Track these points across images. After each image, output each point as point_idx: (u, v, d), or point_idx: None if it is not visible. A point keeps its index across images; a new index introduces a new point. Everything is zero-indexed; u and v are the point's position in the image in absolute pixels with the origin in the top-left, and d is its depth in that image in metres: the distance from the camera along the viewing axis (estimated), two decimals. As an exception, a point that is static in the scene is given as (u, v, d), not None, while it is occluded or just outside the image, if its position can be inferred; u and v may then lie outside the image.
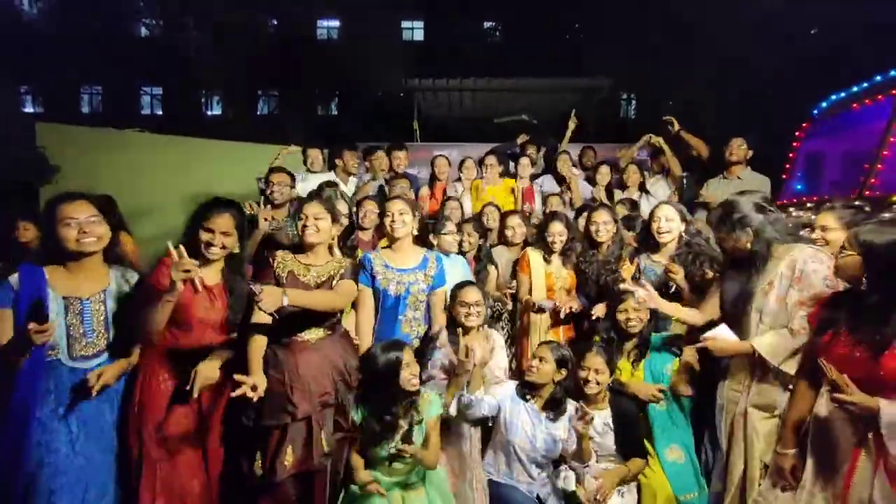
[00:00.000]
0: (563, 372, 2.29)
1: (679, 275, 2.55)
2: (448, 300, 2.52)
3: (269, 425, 1.95)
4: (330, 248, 2.35)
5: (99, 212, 1.85)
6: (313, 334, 2.08)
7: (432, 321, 2.53)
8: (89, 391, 1.75)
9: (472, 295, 2.45)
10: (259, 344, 1.96)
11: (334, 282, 2.12)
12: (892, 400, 1.53)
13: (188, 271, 1.68)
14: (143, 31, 15.62)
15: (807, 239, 2.20)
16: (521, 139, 5.52)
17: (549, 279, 2.98)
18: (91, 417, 1.83)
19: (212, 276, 1.98)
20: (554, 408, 2.30)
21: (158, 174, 4.96)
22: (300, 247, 2.16)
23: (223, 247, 1.96)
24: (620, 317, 2.52)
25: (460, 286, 2.51)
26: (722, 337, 2.05)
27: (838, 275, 1.76)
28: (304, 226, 2.10)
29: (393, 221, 2.50)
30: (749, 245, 2.03)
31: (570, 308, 2.83)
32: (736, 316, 2.10)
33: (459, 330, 2.44)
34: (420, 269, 2.55)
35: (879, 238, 1.58)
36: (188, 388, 1.80)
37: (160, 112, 16.45)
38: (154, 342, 1.91)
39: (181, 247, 1.74)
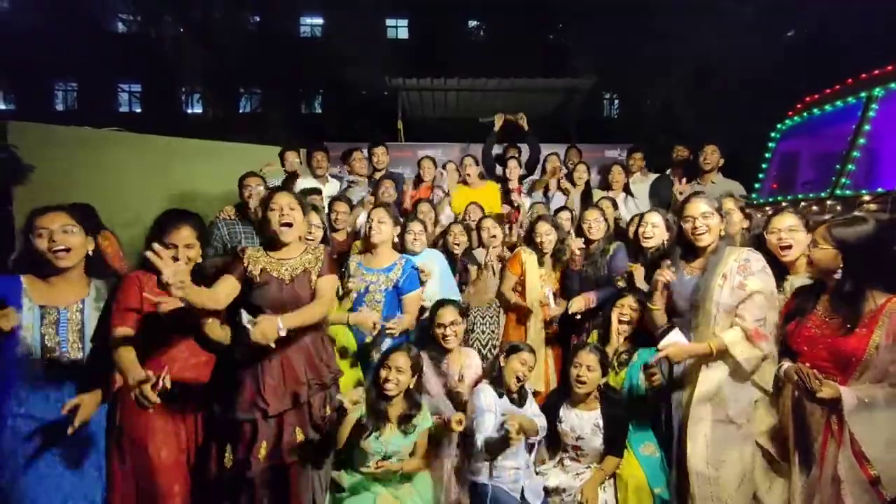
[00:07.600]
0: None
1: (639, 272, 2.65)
2: (429, 318, 2.53)
3: (240, 420, 1.95)
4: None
5: (76, 223, 1.83)
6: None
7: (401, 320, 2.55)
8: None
9: (448, 315, 2.41)
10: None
11: (312, 275, 2.07)
12: (852, 382, 1.72)
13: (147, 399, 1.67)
14: (120, 27, 15.23)
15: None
16: (497, 119, 4.81)
17: (536, 280, 3.00)
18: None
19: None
20: (524, 393, 2.36)
21: (137, 174, 4.83)
22: (271, 243, 2.11)
23: (188, 259, 1.94)
24: (615, 311, 2.54)
25: (438, 305, 2.48)
26: (677, 343, 2.07)
27: (812, 267, 1.89)
28: (278, 220, 2.07)
29: (371, 228, 2.57)
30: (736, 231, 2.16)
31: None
32: (695, 310, 2.15)
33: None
34: (385, 272, 2.63)
35: (850, 232, 1.74)
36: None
37: (139, 110, 16.09)
38: None
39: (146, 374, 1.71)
